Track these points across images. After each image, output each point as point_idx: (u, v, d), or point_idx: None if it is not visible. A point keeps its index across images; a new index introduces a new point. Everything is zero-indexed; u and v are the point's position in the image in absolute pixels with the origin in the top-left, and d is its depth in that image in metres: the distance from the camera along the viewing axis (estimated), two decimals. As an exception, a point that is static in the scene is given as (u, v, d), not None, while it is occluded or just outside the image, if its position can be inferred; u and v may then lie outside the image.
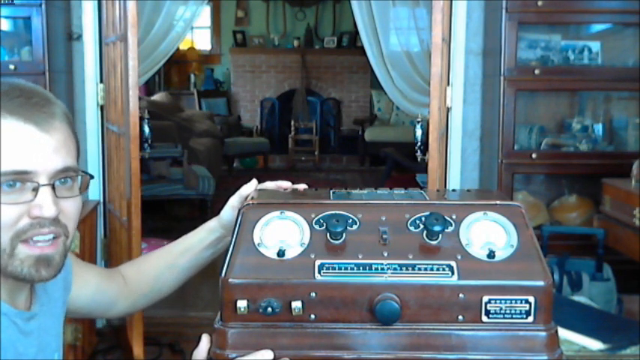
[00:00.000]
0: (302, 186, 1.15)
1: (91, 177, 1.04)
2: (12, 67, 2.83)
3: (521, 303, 0.89)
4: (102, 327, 3.11)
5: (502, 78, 2.86)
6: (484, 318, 0.89)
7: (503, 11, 2.82)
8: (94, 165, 3.12)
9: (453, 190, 1.14)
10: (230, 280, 0.90)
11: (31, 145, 0.93)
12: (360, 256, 0.91)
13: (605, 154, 3.06)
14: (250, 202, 0.98)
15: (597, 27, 3.22)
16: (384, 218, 0.95)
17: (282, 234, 0.93)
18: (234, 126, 8.56)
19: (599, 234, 2.52)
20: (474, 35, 3.09)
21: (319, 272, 0.90)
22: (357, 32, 6.12)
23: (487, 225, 0.94)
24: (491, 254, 0.91)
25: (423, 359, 0.89)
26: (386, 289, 0.89)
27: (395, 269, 0.90)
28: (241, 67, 9.27)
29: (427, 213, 0.94)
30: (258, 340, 0.90)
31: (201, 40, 9.59)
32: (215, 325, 0.92)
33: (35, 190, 0.93)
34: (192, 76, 9.27)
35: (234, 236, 0.94)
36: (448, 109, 3.08)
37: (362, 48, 3.56)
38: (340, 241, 0.93)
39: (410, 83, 3.25)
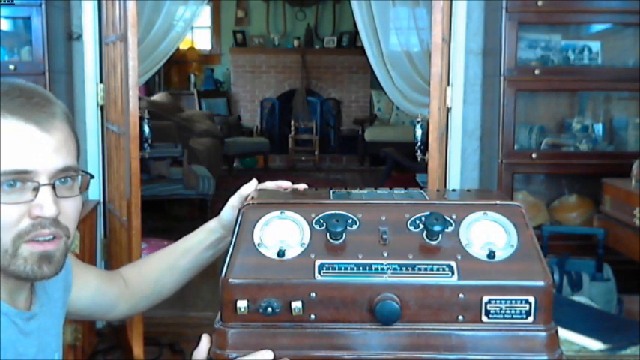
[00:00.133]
0: (302, 186, 1.15)
1: (91, 177, 1.04)
2: (12, 67, 2.83)
3: (521, 303, 0.89)
4: (102, 327, 3.11)
5: (502, 78, 2.86)
6: (484, 318, 0.89)
7: (503, 11, 2.82)
8: (94, 165, 3.12)
9: (453, 190, 1.14)
10: (230, 280, 0.90)
11: (31, 144, 0.93)
12: (360, 256, 0.91)
13: (605, 154, 3.06)
14: (250, 202, 0.98)
15: (597, 27, 3.22)
16: (384, 218, 0.95)
17: (282, 234, 0.93)
18: (234, 126, 8.56)
19: (599, 234, 2.52)
20: (474, 35, 3.09)
21: (319, 272, 0.90)
22: (357, 32, 6.12)
23: (487, 225, 0.94)
24: (491, 254, 0.91)
25: (423, 359, 0.89)
26: (386, 289, 0.89)
27: (395, 269, 0.90)
28: (241, 67, 9.28)
29: (427, 213, 0.94)
30: (258, 340, 0.90)
31: (201, 40, 9.59)
32: (215, 325, 0.92)
33: (36, 189, 0.93)
34: (192, 76, 9.27)
35: (234, 236, 0.94)
36: (448, 109, 3.08)
37: (362, 48, 3.56)
38: (340, 241, 0.93)
39: (410, 83, 3.25)
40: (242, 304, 0.89)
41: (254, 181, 1.17)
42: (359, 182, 7.52)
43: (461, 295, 0.89)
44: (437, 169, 2.52)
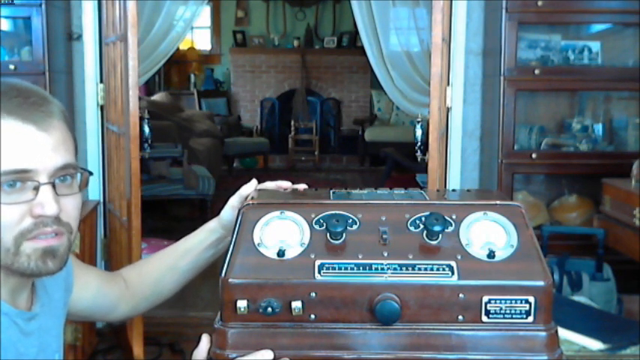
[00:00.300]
0: (302, 186, 1.15)
1: (90, 173, 1.04)
2: (12, 67, 2.83)
3: (521, 303, 0.89)
4: (102, 327, 3.11)
5: (502, 78, 2.86)
6: (484, 318, 0.89)
7: (503, 11, 2.82)
8: (94, 165, 3.11)
9: (453, 190, 1.14)
10: (230, 280, 0.90)
11: (30, 144, 0.94)
12: (360, 256, 0.91)
13: (605, 154, 3.06)
14: (250, 202, 0.98)
15: (597, 27, 3.22)
16: (384, 218, 0.95)
17: (282, 234, 0.94)
18: (234, 126, 8.56)
19: (599, 234, 2.52)
20: (474, 35, 3.09)
21: (319, 272, 0.90)
22: (357, 32, 6.12)
23: (487, 225, 0.94)
24: (491, 254, 0.91)
25: (423, 359, 0.89)
26: (386, 289, 0.89)
27: (395, 269, 0.90)
28: (241, 67, 9.28)
29: (427, 213, 0.94)
30: (258, 340, 0.90)
31: (201, 40, 9.59)
32: (215, 325, 0.92)
33: (36, 188, 0.94)
34: (192, 76, 9.27)
35: (234, 236, 0.94)
36: (448, 109, 3.08)
37: (362, 48, 3.56)
38: (340, 241, 0.93)
39: (410, 83, 3.25)
40: (242, 304, 0.89)
41: (254, 181, 1.17)
42: (359, 182, 7.52)
43: (461, 295, 0.89)
44: (437, 169, 2.52)
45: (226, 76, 9.50)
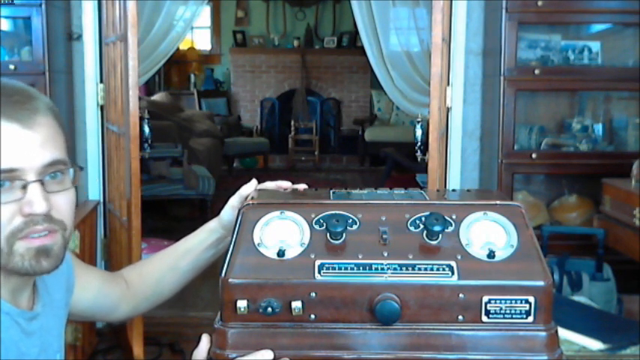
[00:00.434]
0: (302, 186, 1.15)
1: (81, 168, 1.04)
2: (12, 67, 2.83)
3: (521, 303, 0.89)
4: (102, 327, 3.11)
5: (502, 78, 2.86)
6: (484, 318, 0.89)
7: (503, 11, 2.82)
8: (94, 165, 3.12)
9: (453, 190, 1.14)
10: (230, 280, 0.90)
11: (15, 143, 0.93)
12: (360, 256, 0.91)
13: (605, 154, 3.06)
14: (250, 202, 0.98)
15: (597, 27, 3.22)
16: (384, 218, 0.95)
17: (282, 234, 0.94)
18: (234, 126, 8.56)
19: (599, 234, 2.52)
20: (474, 35, 3.09)
21: (319, 272, 0.90)
22: (357, 32, 6.12)
23: (487, 225, 0.94)
24: (491, 254, 0.91)
25: (423, 359, 0.89)
26: (386, 289, 0.89)
27: (395, 269, 0.90)
28: (241, 67, 9.28)
29: (427, 213, 0.94)
30: (258, 340, 0.90)
31: (201, 40, 9.59)
32: (215, 325, 0.92)
33: (24, 187, 0.93)
34: (192, 76, 9.27)
35: (234, 236, 0.94)
36: (448, 109, 3.08)
37: (362, 48, 3.56)
38: (340, 241, 0.93)
39: (410, 83, 3.25)
40: (242, 304, 0.89)
41: (254, 181, 1.17)
42: (359, 182, 7.52)
43: (461, 295, 0.89)
44: (437, 169, 2.52)
45: (226, 76, 9.50)
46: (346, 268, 0.90)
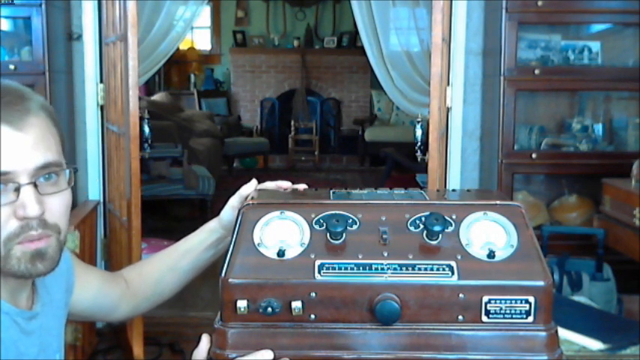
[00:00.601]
0: (302, 186, 1.15)
1: (76, 170, 1.03)
2: (12, 67, 2.82)
3: (521, 303, 0.89)
4: (102, 327, 3.11)
5: (502, 78, 2.86)
6: (484, 318, 0.89)
7: (503, 11, 2.82)
8: (94, 165, 3.11)
9: (453, 190, 1.14)
10: (230, 280, 0.90)
11: (6, 145, 0.91)
12: (360, 256, 0.91)
13: (605, 154, 3.06)
14: (250, 202, 0.98)
15: (597, 27, 3.22)
16: (384, 218, 0.95)
17: (282, 234, 0.94)
18: (234, 126, 8.56)
19: (599, 234, 2.52)
20: (474, 35, 3.09)
21: (319, 272, 0.90)
22: (357, 32, 6.12)
23: (487, 225, 0.94)
24: (491, 254, 0.91)
25: (423, 359, 0.89)
26: (386, 289, 0.89)
27: (395, 269, 0.90)
28: (241, 67, 9.28)
29: (427, 213, 0.94)
30: (258, 340, 0.90)
31: (201, 40, 9.59)
32: (215, 325, 0.92)
33: (17, 190, 0.92)
34: (192, 76, 9.27)
35: (234, 236, 0.94)
36: (448, 109, 3.08)
37: (362, 48, 3.56)
38: (340, 241, 0.93)
39: (410, 83, 3.25)
40: (242, 304, 0.89)
41: (254, 181, 1.17)
42: (359, 182, 7.52)
43: (461, 295, 0.89)
44: (437, 169, 2.52)
45: (226, 76, 9.50)
46: (346, 268, 0.90)
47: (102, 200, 3.16)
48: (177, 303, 3.29)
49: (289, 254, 0.92)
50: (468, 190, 1.14)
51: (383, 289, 0.89)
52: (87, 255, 2.77)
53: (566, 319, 1.92)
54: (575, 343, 1.86)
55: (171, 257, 1.27)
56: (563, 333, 1.83)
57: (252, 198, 1.02)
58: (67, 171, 0.99)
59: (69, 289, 1.17)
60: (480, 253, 0.91)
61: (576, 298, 2.36)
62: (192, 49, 9.40)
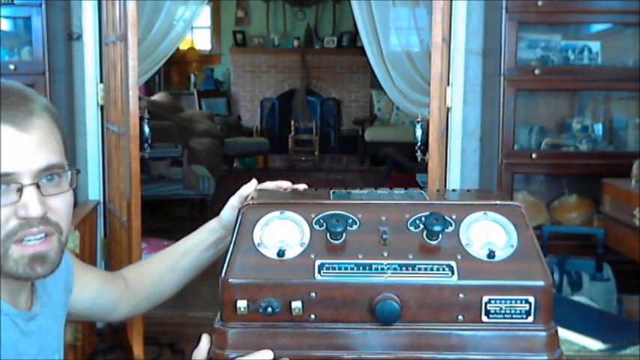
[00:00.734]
0: (302, 186, 1.15)
1: (78, 171, 1.03)
2: (12, 67, 2.82)
3: (521, 303, 0.89)
4: (102, 327, 3.11)
5: (502, 78, 2.86)
6: (484, 318, 0.89)
7: (503, 11, 2.82)
8: (94, 165, 3.11)
9: (453, 190, 1.14)
10: (230, 280, 0.90)
11: (10, 146, 0.92)
12: (360, 256, 0.91)
13: (605, 154, 3.06)
14: (250, 202, 0.98)
15: (597, 27, 3.22)
16: (384, 218, 0.95)
17: (282, 234, 0.94)
18: (234, 126, 8.56)
19: (599, 234, 2.52)
20: (474, 35, 3.09)
21: (319, 272, 0.90)
22: (357, 32, 6.11)
23: (487, 225, 0.94)
24: (491, 254, 0.91)
25: (423, 359, 0.89)
26: (386, 289, 0.89)
27: (395, 269, 0.90)
28: (241, 67, 9.28)
29: (427, 213, 0.94)
30: (258, 340, 0.90)
31: (201, 40, 9.59)
32: (215, 325, 0.92)
33: (20, 190, 0.92)
34: (192, 76, 9.27)
35: (234, 236, 0.94)
36: (448, 109, 3.08)
37: (362, 48, 3.56)
38: (340, 241, 0.93)
39: (410, 83, 3.25)
40: (242, 304, 0.89)
41: (254, 181, 1.17)
42: (359, 182, 7.52)
43: (461, 295, 0.89)
44: (437, 169, 2.52)
45: (226, 76, 9.50)
46: (346, 268, 0.90)
47: (102, 200, 3.16)
48: (177, 303, 3.29)
49: (289, 254, 0.92)
50: (468, 190, 1.14)
51: (383, 289, 0.89)
52: (87, 255, 2.77)
53: (566, 319, 1.92)
54: (575, 343, 1.86)
55: (171, 257, 1.27)
56: (563, 333, 1.83)
57: (252, 198, 1.02)
58: (69, 172, 0.99)
59: (68, 289, 1.17)
60: (480, 253, 0.91)
61: (576, 298, 2.36)
62: (192, 49, 9.40)
